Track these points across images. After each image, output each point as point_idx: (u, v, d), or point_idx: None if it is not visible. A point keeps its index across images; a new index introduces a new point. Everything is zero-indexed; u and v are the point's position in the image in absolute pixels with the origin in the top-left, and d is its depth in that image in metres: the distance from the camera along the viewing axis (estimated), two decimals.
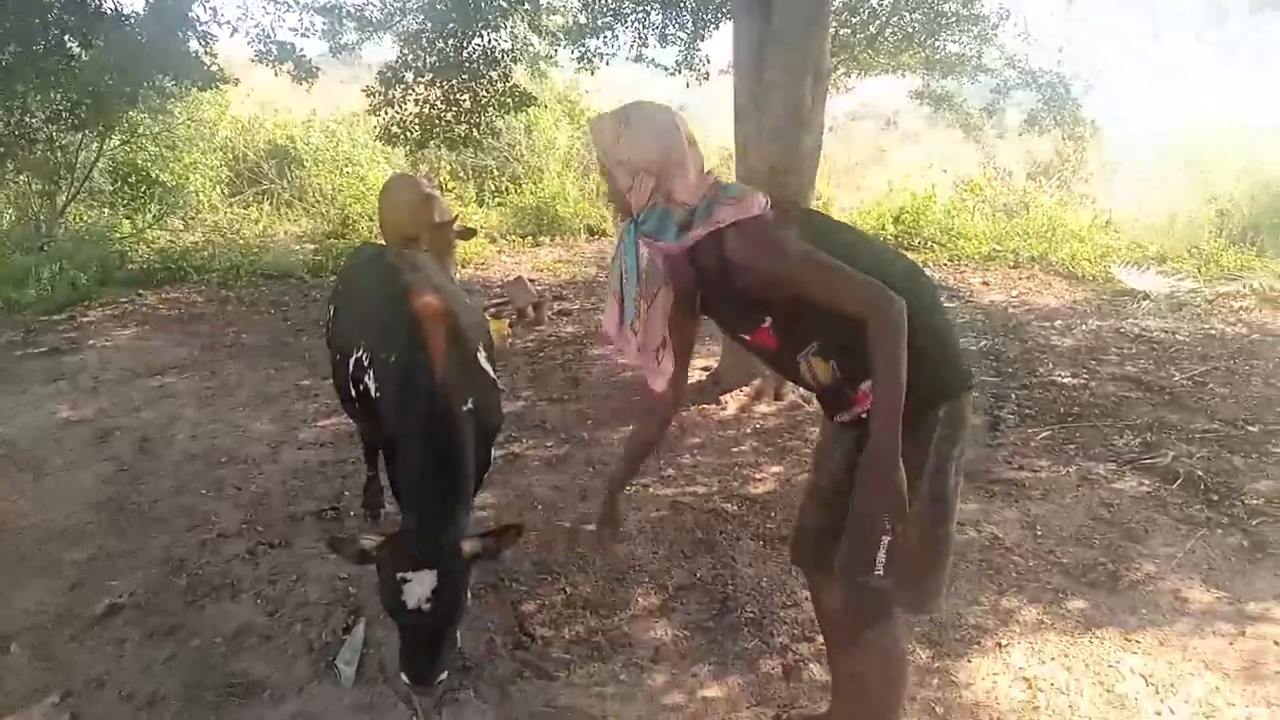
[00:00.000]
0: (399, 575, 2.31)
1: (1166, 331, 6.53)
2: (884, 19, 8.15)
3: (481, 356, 2.91)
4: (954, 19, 8.41)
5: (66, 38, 6.63)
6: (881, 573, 2.02)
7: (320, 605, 3.25)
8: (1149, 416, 4.95)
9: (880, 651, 2.22)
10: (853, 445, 2.08)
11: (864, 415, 2.00)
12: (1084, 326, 6.72)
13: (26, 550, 3.67)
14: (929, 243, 9.57)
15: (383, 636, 3.04)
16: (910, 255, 9.02)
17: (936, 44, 8.68)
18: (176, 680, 2.82)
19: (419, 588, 2.30)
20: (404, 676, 2.38)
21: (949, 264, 8.98)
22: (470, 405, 2.63)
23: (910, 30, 8.48)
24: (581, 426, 4.95)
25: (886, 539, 2.00)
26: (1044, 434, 4.75)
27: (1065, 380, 5.57)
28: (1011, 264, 8.85)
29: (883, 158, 14.13)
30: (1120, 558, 3.53)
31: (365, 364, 2.91)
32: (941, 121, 14.22)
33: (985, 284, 8.20)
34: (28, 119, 7.32)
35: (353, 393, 3.03)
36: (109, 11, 6.61)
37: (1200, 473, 4.21)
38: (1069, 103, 7.98)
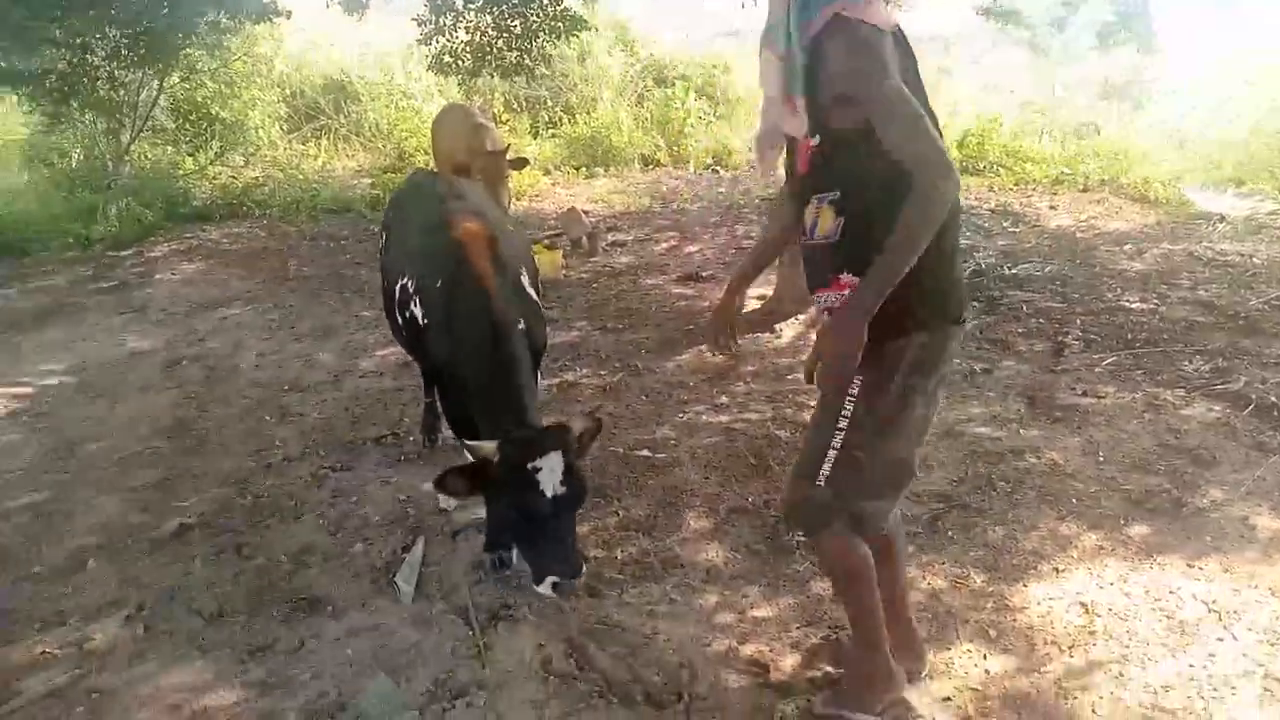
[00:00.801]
0: (530, 466, 2.33)
1: (1243, 255, 6.26)
2: None
3: (525, 280, 2.92)
4: None
5: None
6: (823, 484, 2.05)
7: (380, 526, 3.34)
8: (1221, 342, 4.78)
9: (831, 553, 2.20)
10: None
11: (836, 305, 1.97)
12: (1155, 250, 6.48)
13: (102, 472, 3.83)
14: (994, 166, 9.27)
15: (440, 555, 3.13)
16: (975, 179, 8.79)
17: None
18: (243, 596, 2.93)
19: (551, 474, 2.35)
20: (554, 578, 2.37)
21: (1015, 188, 8.69)
22: (521, 325, 2.67)
23: None
24: (636, 356, 4.95)
25: (833, 452, 2.02)
26: (1109, 360, 4.61)
27: (1134, 305, 5.39)
28: (1081, 188, 8.53)
29: (948, 80, 13.66)
30: (1185, 484, 3.44)
31: (410, 290, 2.96)
32: (1006, 41, 13.69)
33: (1052, 208, 7.93)
34: (89, 57, 7.40)
35: (399, 319, 3.10)
36: None
37: (1274, 399, 4.07)
38: (1143, 15, 7.56)
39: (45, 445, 4.09)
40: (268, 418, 4.32)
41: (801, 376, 4.49)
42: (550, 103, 11.88)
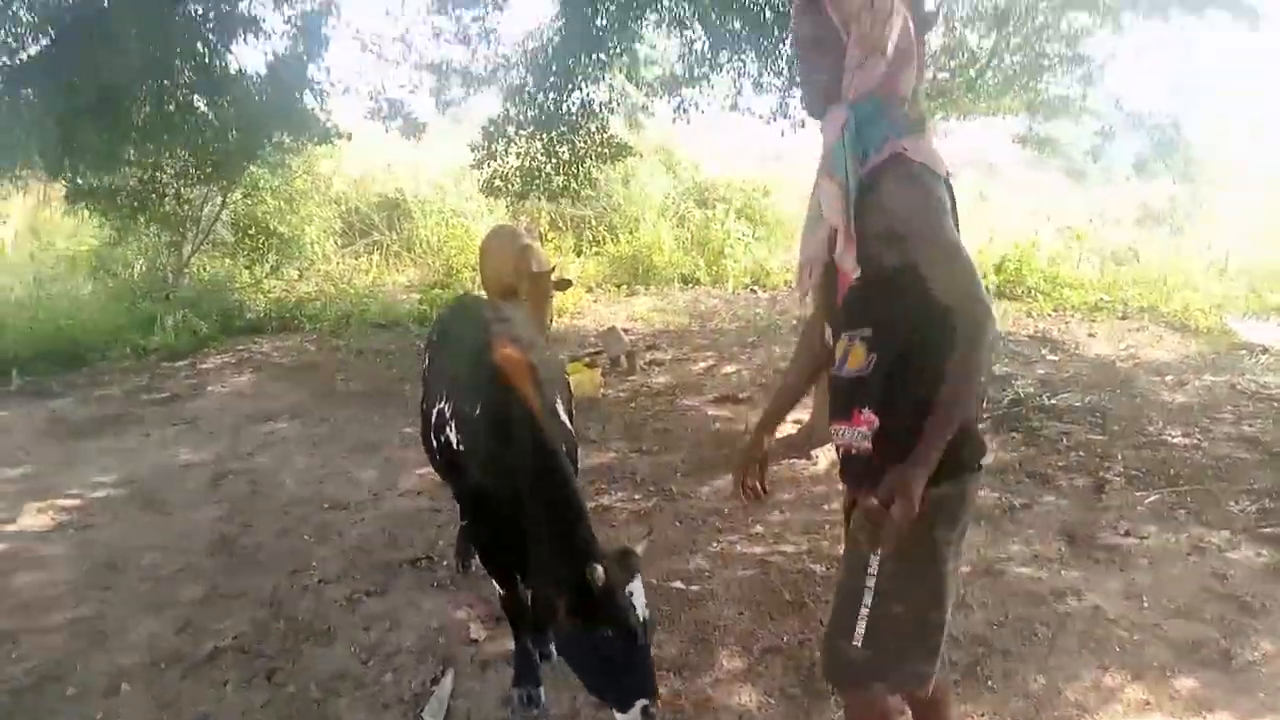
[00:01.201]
0: (628, 590, 2.33)
1: None
2: (984, 61, 8.04)
3: (560, 408, 2.94)
4: (1056, 60, 8.24)
5: (195, 98, 7.07)
6: (860, 644, 1.95)
7: (411, 654, 3.33)
8: (1268, 481, 4.68)
9: (859, 713, 2.16)
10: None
11: (853, 450, 1.95)
12: (1197, 382, 6.42)
13: (144, 589, 3.88)
14: (1032, 292, 9.30)
15: (469, 687, 3.11)
16: (1014, 304, 8.83)
17: (1039, 86, 8.51)
18: None
19: (641, 596, 2.35)
20: (644, 701, 2.30)
21: (1053, 314, 8.71)
22: (564, 449, 2.68)
23: (1011, 73, 8.34)
24: (671, 479, 4.96)
25: (865, 609, 1.94)
26: (1152, 497, 4.53)
27: (1176, 440, 5.32)
28: (1120, 315, 8.52)
29: (985, 205, 13.88)
30: (1234, 634, 3.34)
31: (447, 415, 2.95)
32: (1045, 166, 13.92)
33: (1092, 335, 7.92)
34: (159, 175, 7.84)
35: (434, 443, 3.07)
36: (233, 72, 7.03)
37: None
38: (1179, 145, 7.68)
39: (90, 560, 4.16)
40: (307, 536, 4.37)
41: (838, 508, 4.48)
42: (594, 222, 12.25)
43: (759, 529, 4.32)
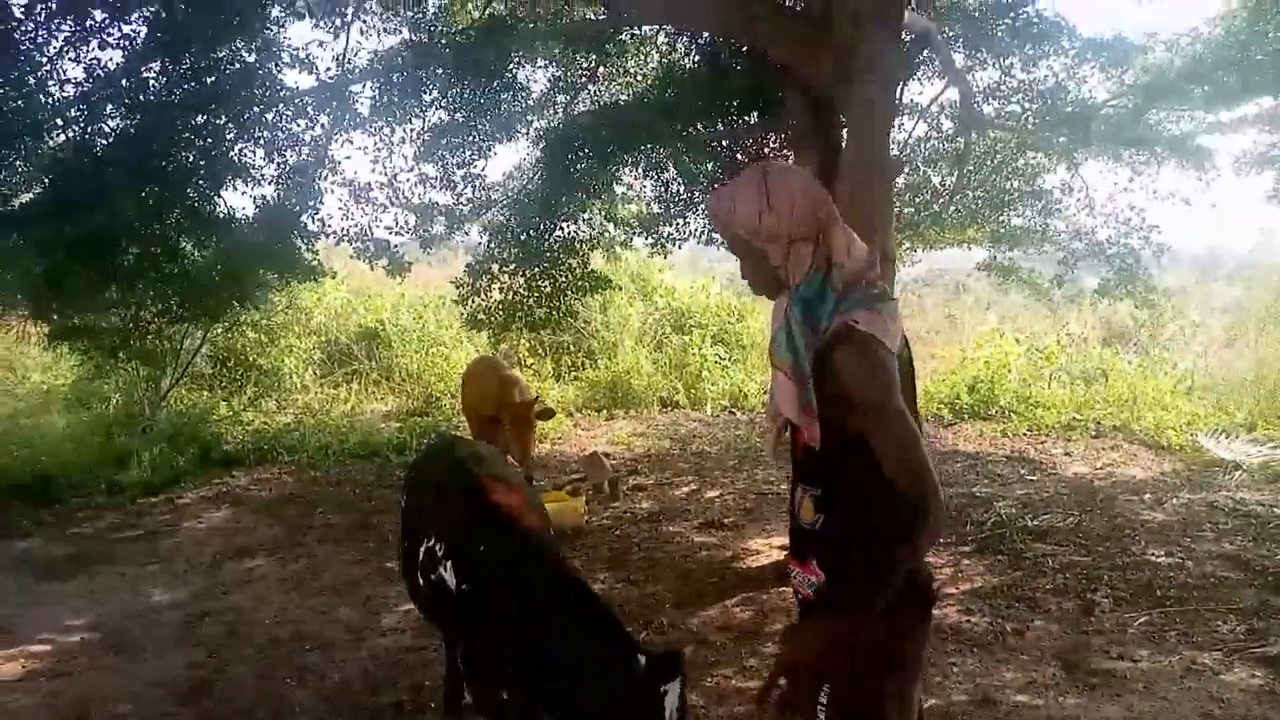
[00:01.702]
0: (662, 689, 2.26)
1: (1264, 505, 6.26)
2: (947, 197, 8.40)
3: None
4: (1016, 194, 8.63)
5: (182, 241, 7.20)
6: None
7: None
8: (1253, 600, 4.71)
9: None
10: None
11: (800, 596, 2.03)
12: (1175, 500, 6.50)
13: None
14: (1005, 412, 9.46)
15: None
16: (987, 425, 8.97)
17: (1001, 219, 8.88)
18: None
19: (674, 696, 2.28)
20: None
21: (1028, 434, 8.83)
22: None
23: (974, 207, 8.71)
24: (659, 610, 4.90)
25: None
26: (1141, 619, 4.54)
27: (1160, 559, 5.35)
28: (1093, 434, 8.66)
29: (954, 324, 14.23)
30: None
31: (439, 554, 2.93)
32: (1007, 288, 14.37)
33: (1067, 455, 8.03)
34: (142, 313, 7.89)
35: (420, 582, 3.05)
36: (222, 216, 7.18)
37: None
38: (1140, 272, 8.00)
39: (61, 710, 4.02)
40: (287, 679, 4.25)
41: None
42: (573, 348, 12.40)
43: (752, 661, 4.26)
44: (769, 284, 1.98)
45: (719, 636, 4.55)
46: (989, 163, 8.32)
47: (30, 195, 6.73)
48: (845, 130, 5.24)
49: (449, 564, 2.89)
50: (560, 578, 2.62)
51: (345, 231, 7.23)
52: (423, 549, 3.03)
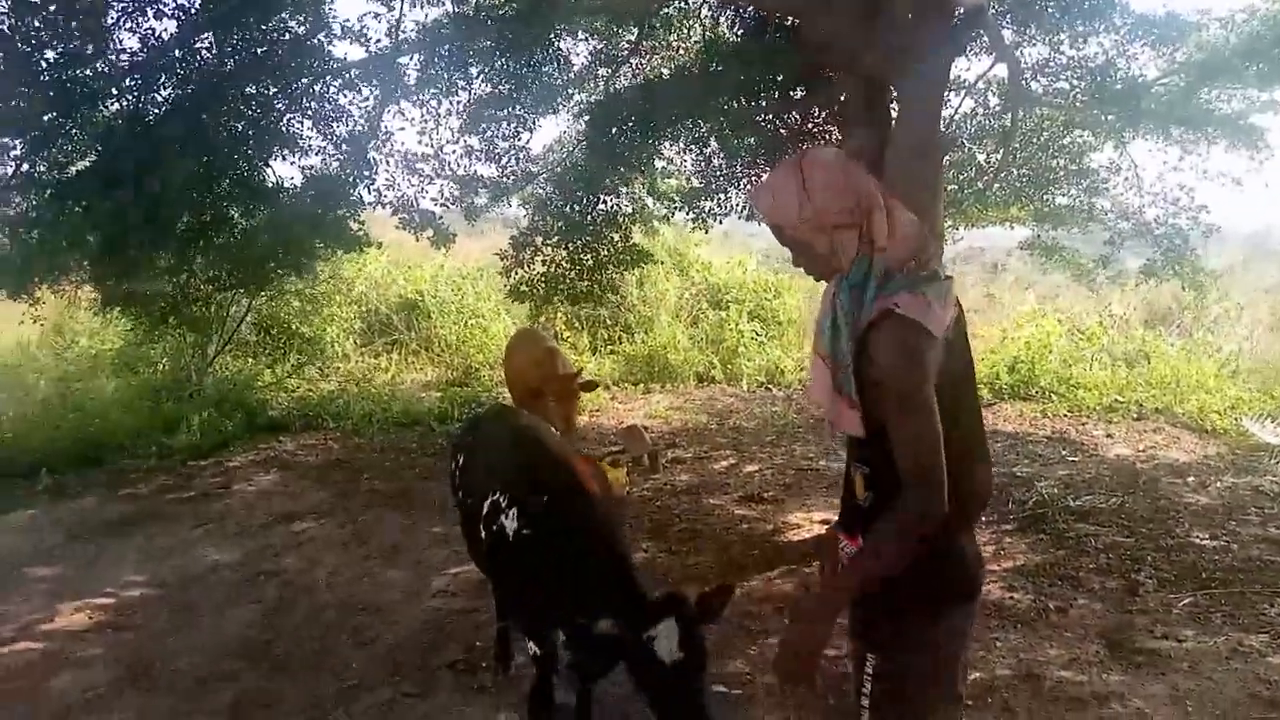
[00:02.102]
0: (645, 636, 2.57)
1: None
2: (991, 174, 8.31)
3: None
4: (1062, 173, 8.51)
5: (231, 209, 7.32)
6: None
7: None
8: None
9: None
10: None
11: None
12: (1219, 484, 6.45)
13: (183, 691, 3.89)
14: (1046, 392, 9.41)
15: None
16: (1028, 405, 8.92)
17: (1045, 197, 8.77)
18: None
19: (668, 639, 2.56)
20: None
21: (1068, 415, 8.78)
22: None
23: (1018, 185, 8.61)
24: (702, 580, 4.97)
25: None
26: (1186, 600, 4.54)
27: (1204, 542, 5.34)
28: (1135, 416, 8.59)
29: (993, 303, 14.11)
30: None
31: (503, 505, 3.26)
32: (1047, 267, 14.20)
33: (1109, 437, 7.98)
34: (193, 280, 8.04)
35: (482, 533, 3.36)
36: (270, 185, 7.29)
37: None
38: (1187, 253, 7.87)
39: (127, 662, 4.18)
40: (343, 638, 4.38)
41: None
42: (610, 322, 12.45)
43: None
44: (822, 271, 1.99)
45: (762, 608, 4.61)
46: (1035, 140, 8.19)
47: (84, 164, 6.87)
48: (896, 107, 5.22)
49: (512, 512, 3.21)
50: (599, 535, 2.98)
51: (393, 202, 7.29)
52: (488, 502, 3.35)
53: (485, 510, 3.34)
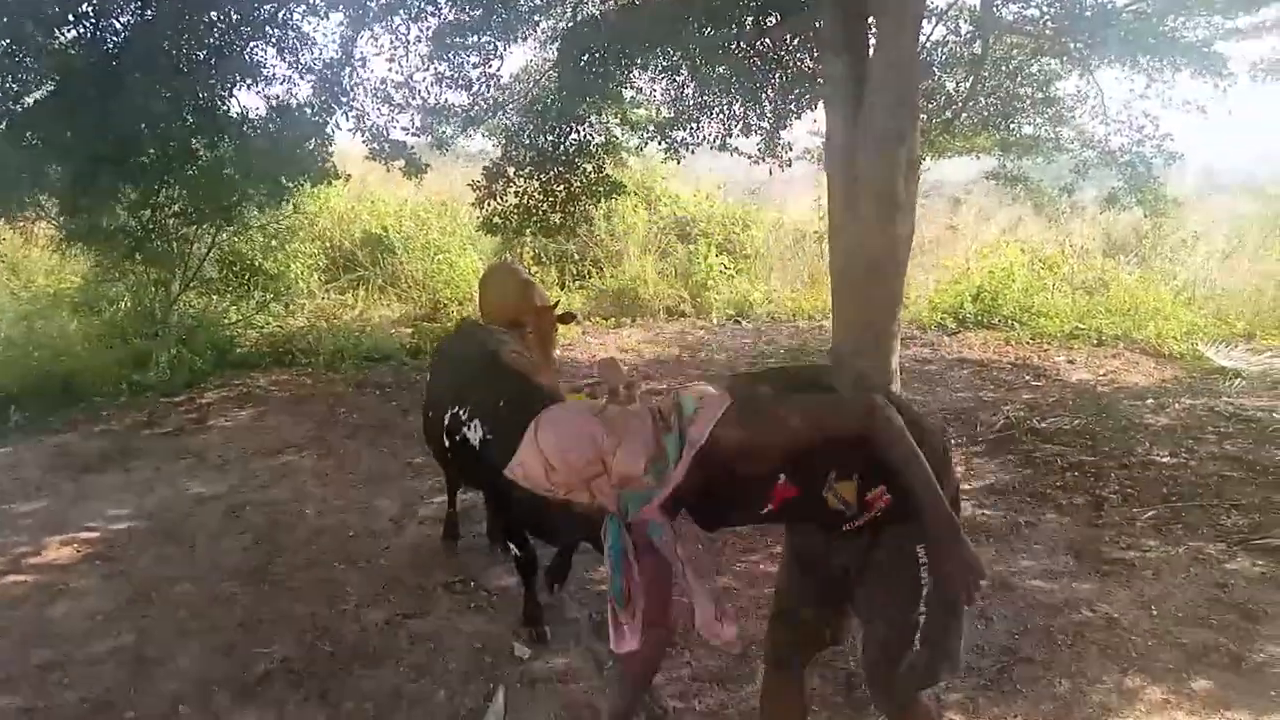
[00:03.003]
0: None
1: (1263, 410, 6.46)
2: (959, 103, 8.36)
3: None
4: (1029, 102, 8.59)
5: (195, 141, 7.15)
6: (918, 645, 2.22)
7: (459, 674, 3.45)
8: (1255, 496, 4.94)
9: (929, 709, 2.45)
10: (865, 544, 2.24)
11: (876, 516, 2.18)
12: (1177, 405, 6.70)
13: (182, 616, 3.95)
14: (1009, 321, 9.62)
15: (521, 703, 3.22)
16: (991, 334, 9.13)
17: (1011, 126, 8.85)
18: None
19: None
20: None
21: (1031, 342, 9.00)
22: None
23: (985, 114, 8.67)
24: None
25: (922, 618, 2.21)
26: (1149, 514, 4.77)
27: (1164, 460, 5.57)
28: (1095, 342, 8.84)
29: (955, 235, 14.27)
30: (1241, 639, 3.55)
31: (464, 416, 3.56)
32: (1007, 198, 14.36)
33: (1070, 363, 8.22)
34: (156, 215, 7.88)
35: (446, 443, 3.68)
36: (234, 116, 7.12)
37: None
38: (1150, 181, 8.02)
39: (123, 590, 4.21)
40: (337, 564, 4.45)
41: None
42: (578, 257, 12.43)
43: (779, 549, 4.46)
44: (601, 512, 2.12)
45: (745, 529, 4.74)
46: (1004, 68, 8.24)
47: (40, 94, 6.64)
48: (875, 33, 5.23)
49: (474, 423, 3.49)
50: None
51: (363, 130, 7.16)
52: (448, 414, 3.65)
53: (447, 421, 3.65)
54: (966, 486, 5.19)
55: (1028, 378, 7.67)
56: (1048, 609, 3.84)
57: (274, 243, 10.55)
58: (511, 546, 3.65)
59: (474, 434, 3.47)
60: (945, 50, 8.17)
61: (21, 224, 7.88)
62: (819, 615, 2.47)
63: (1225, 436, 5.97)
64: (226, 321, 9.86)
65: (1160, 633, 3.62)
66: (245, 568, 4.42)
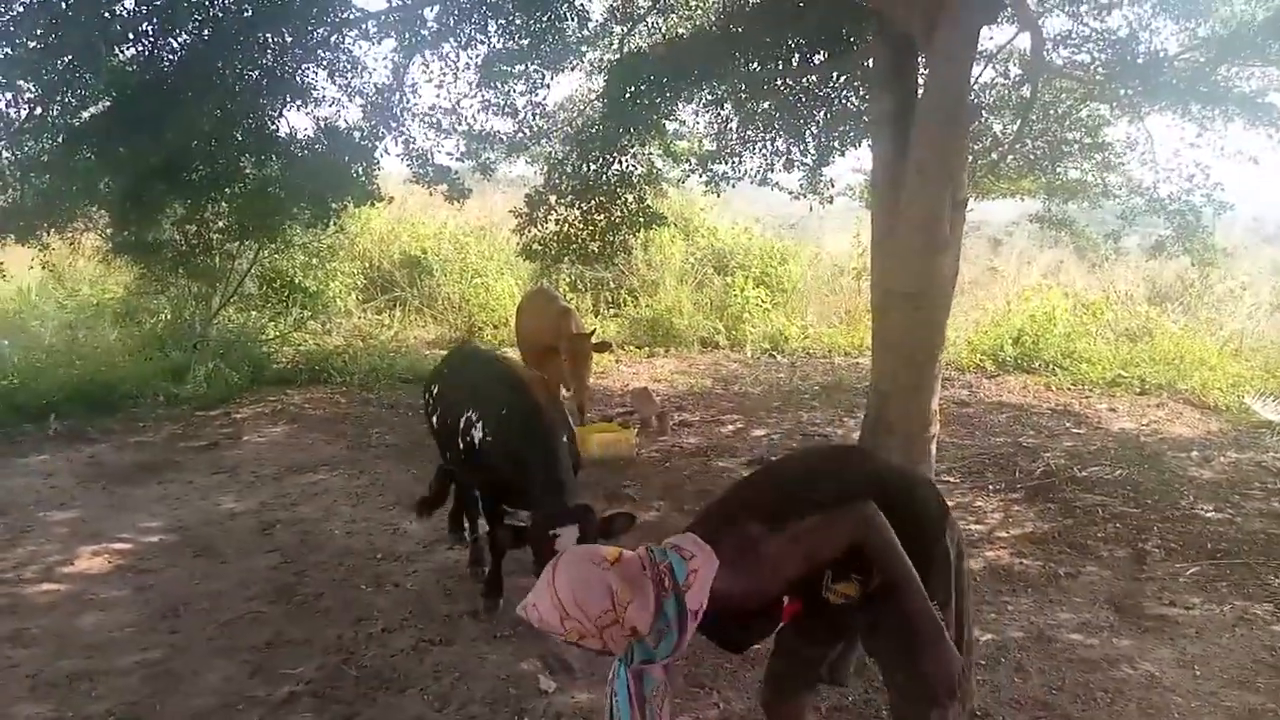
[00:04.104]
0: (551, 533, 3.21)
1: None
2: (1006, 146, 8.30)
3: (560, 409, 4.35)
4: (1077, 146, 8.51)
5: (242, 159, 7.26)
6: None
7: (484, 704, 3.40)
8: None
9: None
10: (870, 610, 2.24)
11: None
12: (1222, 459, 6.54)
13: (210, 632, 3.94)
14: (1050, 365, 9.47)
15: None
16: (1031, 378, 9.00)
17: (1058, 170, 8.77)
18: None
19: (568, 540, 3.15)
20: None
21: (1072, 388, 8.86)
22: (565, 439, 3.83)
23: (1032, 157, 8.61)
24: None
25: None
26: (1193, 569, 4.63)
27: (1209, 514, 5.43)
28: (1138, 390, 8.67)
29: (995, 277, 14.13)
30: None
31: (474, 419, 4.00)
32: (1049, 241, 14.20)
33: (1112, 410, 8.07)
34: (203, 230, 8.00)
35: (459, 444, 4.08)
36: (283, 136, 7.23)
37: None
38: (1199, 230, 7.91)
39: (152, 604, 4.21)
40: (364, 586, 4.43)
41: None
42: (614, 285, 12.45)
43: None
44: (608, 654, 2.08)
45: None
46: (1052, 112, 8.18)
47: (97, 109, 6.79)
48: (925, 73, 5.22)
49: (480, 425, 3.96)
50: (539, 435, 3.72)
51: (408, 155, 7.23)
52: (463, 419, 4.08)
53: (461, 425, 4.06)
54: (1003, 534, 5.09)
55: (1068, 424, 7.53)
56: (1086, 664, 3.72)
57: (314, 261, 10.69)
58: (489, 529, 4.06)
59: (478, 434, 3.95)
60: (993, 93, 8.13)
61: (70, 235, 7.96)
62: (818, 654, 2.49)
63: (1273, 493, 5.81)
64: (264, 337, 9.97)
65: (1204, 694, 3.49)
66: (274, 585, 4.41)
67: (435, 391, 4.66)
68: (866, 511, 2.08)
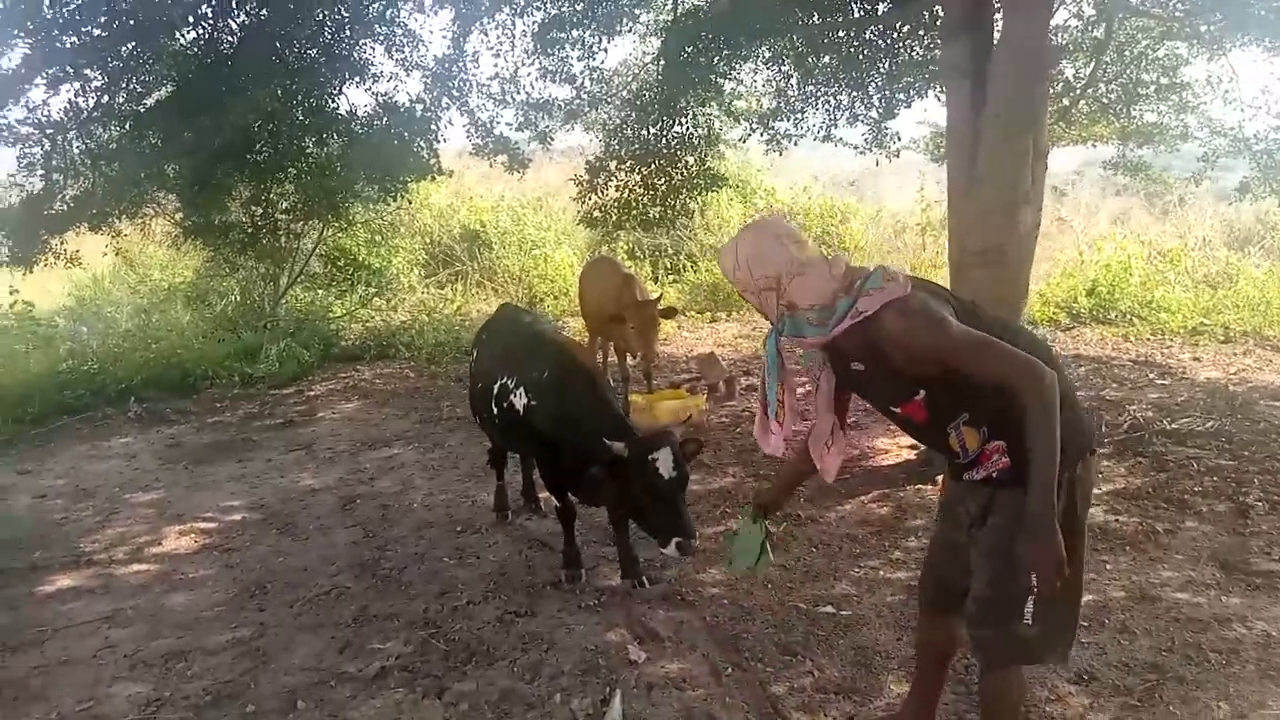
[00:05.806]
0: (650, 458, 3.41)
1: None
2: (1078, 90, 7.98)
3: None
4: (1153, 88, 8.14)
5: (306, 139, 7.29)
6: (1030, 622, 2.24)
7: (574, 675, 3.37)
8: None
9: (1014, 690, 2.43)
10: (985, 501, 2.28)
11: (993, 474, 2.24)
12: None
13: (297, 609, 3.98)
14: (1126, 315, 9.15)
15: (638, 710, 3.13)
16: (1108, 329, 8.70)
17: (1133, 114, 8.42)
18: None
19: (666, 460, 3.41)
20: (677, 542, 3.40)
21: (1151, 338, 8.55)
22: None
23: (1106, 101, 8.27)
24: (796, 505, 4.94)
25: (1032, 596, 2.20)
26: None
27: None
28: (1222, 339, 8.33)
29: (1062, 227, 13.70)
30: None
31: (511, 385, 4.06)
32: (1114, 189, 13.71)
33: (1197, 360, 7.76)
34: (270, 211, 8.10)
35: (494, 410, 4.18)
36: (344, 113, 7.24)
37: None
38: None
39: (239, 582, 4.28)
40: (445, 558, 4.45)
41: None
42: (672, 251, 12.34)
43: (898, 554, 4.29)
44: (764, 315, 2.40)
45: (860, 530, 4.58)
46: (1127, 53, 7.83)
47: (161, 94, 6.86)
48: (1000, 16, 4.98)
49: (520, 390, 4.01)
50: (591, 392, 3.82)
51: (468, 126, 7.20)
52: (497, 385, 4.14)
53: (496, 391, 4.13)
54: (1095, 491, 4.90)
55: (1152, 375, 7.26)
56: (1195, 624, 3.57)
57: (377, 238, 10.77)
58: (554, 501, 4.19)
59: (519, 400, 4.00)
60: (1067, 35, 7.79)
61: (140, 220, 8.11)
62: (960, 564, 2.44)
63: None
64: (331, 315, 10.08)
65: None
66: (356, 561, 4.45)
67: (475, 355, 4.84)
68: (1047, 376, 2.04)
